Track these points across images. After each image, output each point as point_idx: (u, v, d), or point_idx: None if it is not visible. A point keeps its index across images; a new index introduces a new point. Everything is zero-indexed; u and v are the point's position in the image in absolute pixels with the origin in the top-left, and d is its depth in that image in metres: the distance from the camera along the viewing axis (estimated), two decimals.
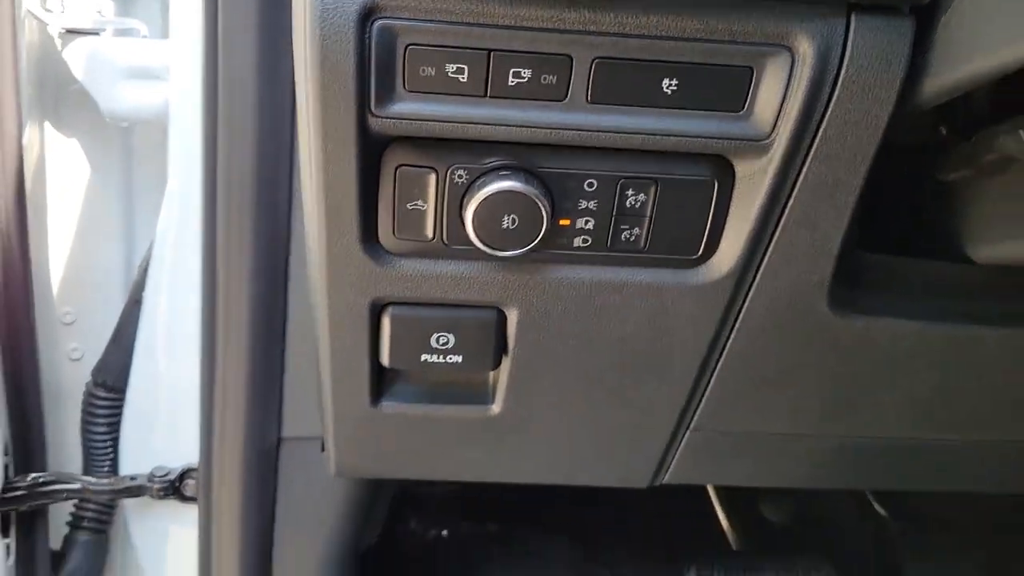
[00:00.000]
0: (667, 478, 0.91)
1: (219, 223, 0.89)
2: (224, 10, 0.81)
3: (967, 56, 0.54)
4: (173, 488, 1.13)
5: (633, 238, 0.66)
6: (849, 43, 0.56)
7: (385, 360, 0.74)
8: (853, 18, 0.56)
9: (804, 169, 0.62)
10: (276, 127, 0.85)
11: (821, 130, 0.60)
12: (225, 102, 0.84)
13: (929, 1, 0.55)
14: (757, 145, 0.61)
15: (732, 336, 0.74)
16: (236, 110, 0.84)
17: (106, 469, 1.21)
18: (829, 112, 0.59)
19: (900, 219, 0.77)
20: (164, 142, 1.09)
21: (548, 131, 0.60)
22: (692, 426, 0.84)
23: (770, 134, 0.60)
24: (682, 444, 0.86)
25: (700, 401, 0.81)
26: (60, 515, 1.25)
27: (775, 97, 0.59)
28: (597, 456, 0.88)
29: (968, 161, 0.66)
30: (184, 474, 1.14)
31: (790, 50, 0.57)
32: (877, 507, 1.47)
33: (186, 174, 1.06)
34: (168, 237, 1.11)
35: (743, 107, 0.59)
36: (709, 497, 1.57)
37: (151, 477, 1.14)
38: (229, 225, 0.88)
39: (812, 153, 0.61)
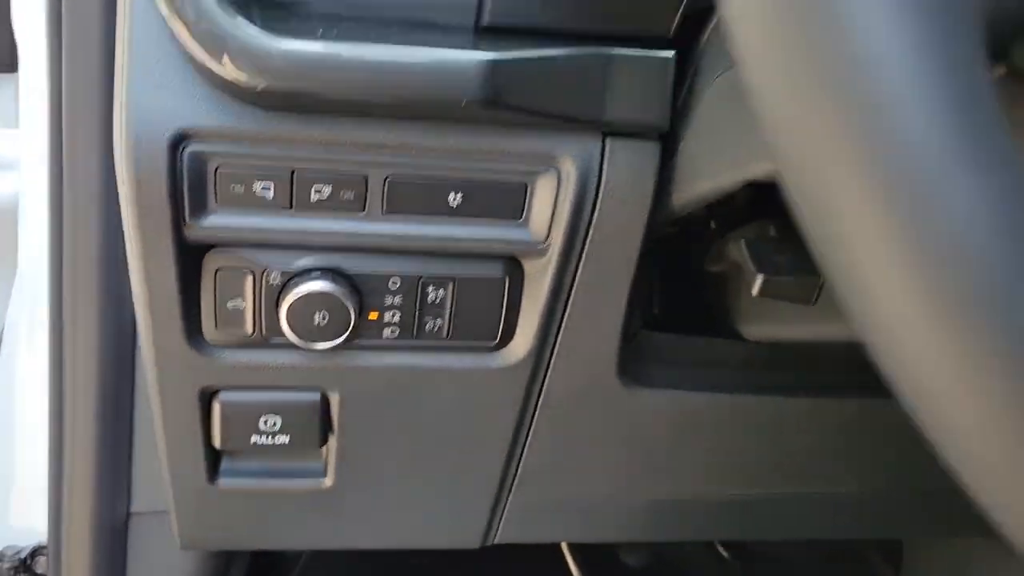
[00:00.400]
0: (497, 539, 0.97)
1: (65, 309, 0.92)
2: (68, 105, 0.85)
3: (695, 178, 0.64)
4: (24, 566, 1.14)
5: (436, 328, 0.74)
6: (605, 164, 0.66)
7: (217, 443, 0.80)
8: (608, 143, 0.65)
9: (579, 269, 0.71)
10: (120, 222, 0.89)
11: (589, 236, 0.69)
12: (69, 195, 0.89)
13: (669, 130, 0.65)
14: (536, 248, 0.69)
15: (537, 412, 0.82)
16: (80, 205, 0.88)
17: None
18: (594, 221, 0.68)
19: (687, 303, 0.87)
20: (15, 231, 1.11)
21: (350, 238, 0.67)
22: (513, 491, 0.91)
23: (546, 239, 0.69)
24: (507, 507, 0.93)
25: (517, 469, 0.88)
26: None
27: (547, 208, 0.67)
28: (428, 521, 0.94)
29: (722, 257, 0.76)
30: (35, 551, 1.15)
31: (557, 169, 0.66)
32: (720, 549, 1.57)
33: (37, 263, 1.09)
34: (20, 324, 1.13)
35: (521, 216, 0.68)
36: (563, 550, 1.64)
37: (1, 556, 1.15)
38: (76, 311, 0.92)
39: (584, 256, 0.70)
